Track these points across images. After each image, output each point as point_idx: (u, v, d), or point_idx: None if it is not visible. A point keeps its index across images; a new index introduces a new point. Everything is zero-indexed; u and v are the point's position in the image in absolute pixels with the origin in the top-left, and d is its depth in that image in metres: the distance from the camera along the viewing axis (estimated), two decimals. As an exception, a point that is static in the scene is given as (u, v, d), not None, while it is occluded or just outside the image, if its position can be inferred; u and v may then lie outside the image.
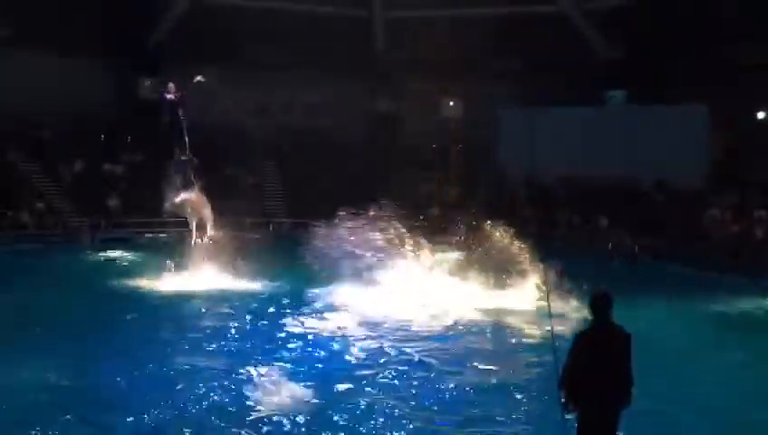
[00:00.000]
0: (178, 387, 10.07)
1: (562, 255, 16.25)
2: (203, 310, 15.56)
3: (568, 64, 32.16)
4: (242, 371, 10.72)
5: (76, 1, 29.86)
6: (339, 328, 13.75)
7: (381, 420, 8.94)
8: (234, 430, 8.52)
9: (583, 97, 31.54)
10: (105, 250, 25.07)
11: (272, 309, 15.60)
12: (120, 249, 25.20)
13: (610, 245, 26.25)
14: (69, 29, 30.26)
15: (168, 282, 18.25)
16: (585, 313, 6.98)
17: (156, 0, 33.81)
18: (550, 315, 7.26)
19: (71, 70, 31.69)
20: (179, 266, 19.01)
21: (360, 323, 14.14)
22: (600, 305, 6.57)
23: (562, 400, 6.63)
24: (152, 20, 33.75)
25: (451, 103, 36.63)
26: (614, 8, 31.82)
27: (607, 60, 32.50)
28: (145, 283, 18.38)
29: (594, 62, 32.68)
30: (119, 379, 10.30)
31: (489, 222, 18.68)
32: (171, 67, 33.72)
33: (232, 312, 15.26)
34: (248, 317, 14.74)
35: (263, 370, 10.69)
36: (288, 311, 15.34)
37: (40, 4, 29.52)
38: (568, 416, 6.68)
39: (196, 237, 19.49)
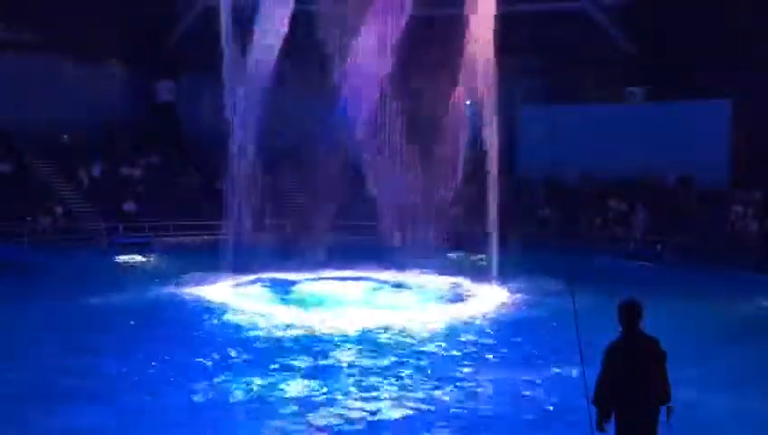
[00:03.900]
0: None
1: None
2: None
3: (588, 61, 31.70)
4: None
5: (94, 6, 29.87)
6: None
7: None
8: None
9: (604, 94, 31.08)
10: (123, 254, 25.12)
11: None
12: (139, 254, 25.25)
13: (632, 244, 25.95)
14: (87, 34, 30.33)
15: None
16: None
17: (172, 4, 33.75)
18: (578, 337, 6.94)
19: (89, 74, 31.79)
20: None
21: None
22: (627, 315, 6.29)
23: (596, 416, 6.37)
24: (170, 23, 33.70)
25: (468, 102, 36.16)
26: (634, 3, 31.26)
27: (628, 56, 31.93)
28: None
29: (615, 58, 32.14)
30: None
31: None
32: (188, 70, 33.99)
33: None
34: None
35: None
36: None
37: (59, 10, 29.51)
38: (602, 431, 6.40)
39: None
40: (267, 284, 19.88)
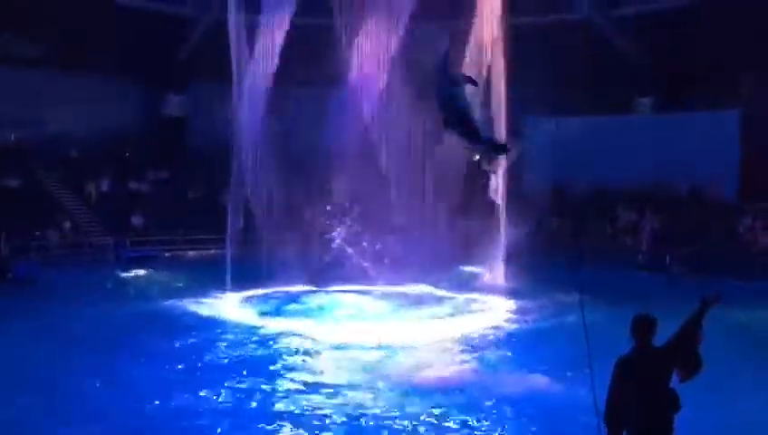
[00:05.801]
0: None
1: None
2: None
3: (597, 72, 31.64)
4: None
5: (103, 19, 30.01)
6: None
7: None
8: None
9: (613, 104, 31.03)
10: (131, 268, 25.10)
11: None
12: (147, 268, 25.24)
13: (640, 256, 25.85)
14: (95, 47, 30.47)
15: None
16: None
17: (182, 17, 33.88)
18: (588, 347, 6.86)
19: (98, 88, 31.98)
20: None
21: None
22: (640, 329, 6.22)
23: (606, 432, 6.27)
24: (179, 37, 33.82)
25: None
26: (642, 14, 31.20)
27: (635, 67, 31.85)
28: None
29: (623, 69, 32.06)
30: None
31: None
32: (197, 84, 34.11)
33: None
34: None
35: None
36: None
37: (67, 24, 29.70)
38: None
39: None
40: (277, 298, 19.88)
